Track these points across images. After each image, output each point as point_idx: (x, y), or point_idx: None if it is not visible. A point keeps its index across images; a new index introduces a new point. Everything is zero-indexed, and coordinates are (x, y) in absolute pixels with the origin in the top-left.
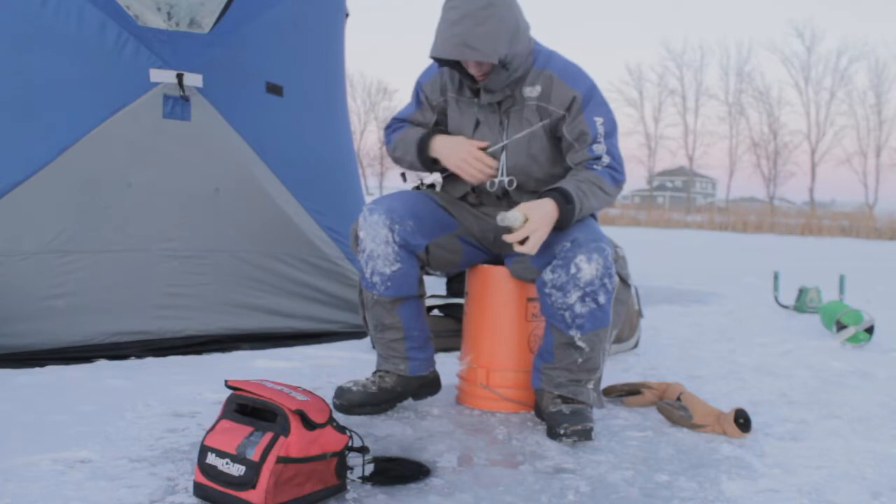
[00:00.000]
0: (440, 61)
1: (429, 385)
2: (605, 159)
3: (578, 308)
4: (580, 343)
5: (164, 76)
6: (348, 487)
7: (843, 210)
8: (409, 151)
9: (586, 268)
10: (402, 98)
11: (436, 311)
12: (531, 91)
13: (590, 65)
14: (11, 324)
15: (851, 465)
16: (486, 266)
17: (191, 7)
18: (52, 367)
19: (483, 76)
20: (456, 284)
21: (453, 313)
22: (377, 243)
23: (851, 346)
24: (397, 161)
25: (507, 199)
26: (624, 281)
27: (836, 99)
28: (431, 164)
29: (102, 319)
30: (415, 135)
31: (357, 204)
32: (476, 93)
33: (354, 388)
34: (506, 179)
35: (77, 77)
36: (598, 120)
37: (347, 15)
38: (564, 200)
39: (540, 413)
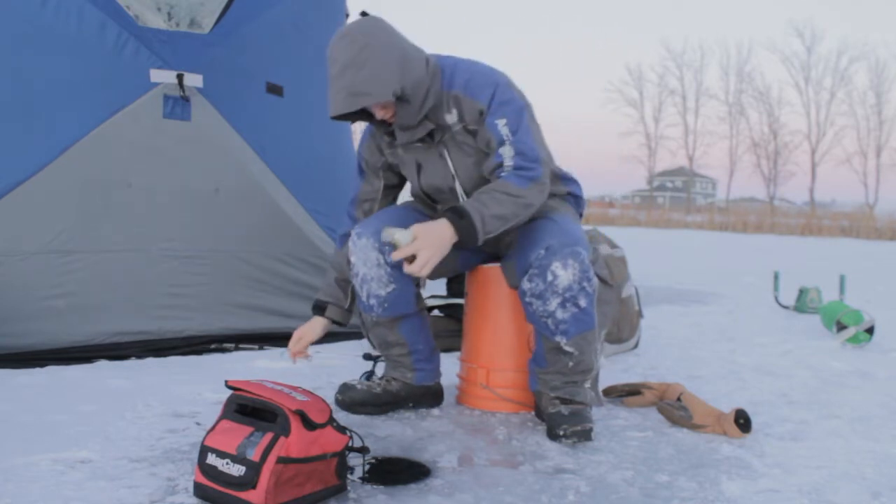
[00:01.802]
0: (341, 118)
1: (432, 395)
2: (509, 162)
3: (560, 314)
4: (568, 348)
5: (164, 76)
6: (348, 487)
7: (843, 210)
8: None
9: (563, 274)
10: None
11: (436, 312)
12: (451, 117)
13: (590, 65)
14: (11, 324)
15: (851, 465)
16: (485, 266)
17: (191, 7)
18: (52, 367)
19: (393, 117)
20: (456, 285)
21: (453, 313)
22: (369, 267)
23: (851, 346)
24: None
25: None
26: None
27: (837, 99)
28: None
29: (102, 319)
30: (316, 295)
31: None
32: (398, 138)
33: (359, 387)
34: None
35: (77, 77)
36: (501, 122)
37: (347, 15)
38: (458, 217)
39: (540, 414)
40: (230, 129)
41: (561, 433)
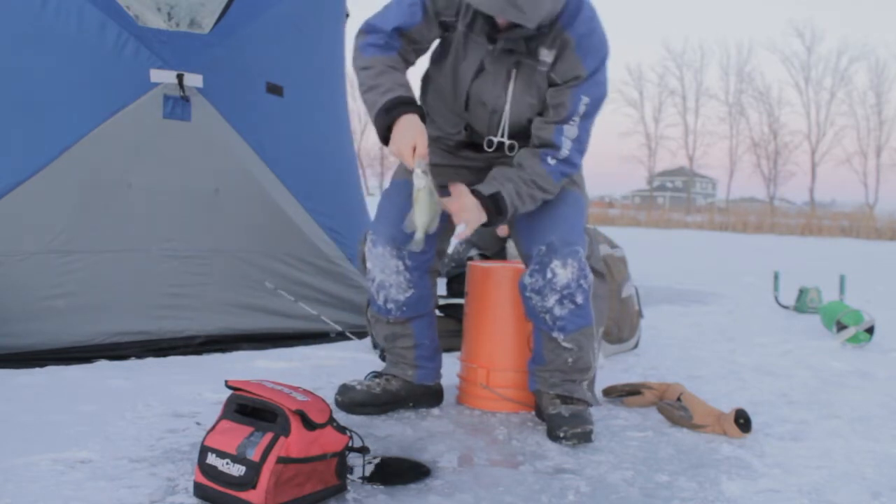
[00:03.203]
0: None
1: (432, 395)
2: (565, 151)
3: (558, 311)
4: (566, 344)
5: (164, 76)
6: (348, 487)
7: (843, 210)
8: (372, 109)
9: (562, 273)
10: None
11: (436, 312)
12: (547, 55)
13: None
14: (11, 324)
15: (851, 465)
16: (486, 266)
17: (191, 7)
18: (52, 367)
19: (507, 27)
20: (456, 284)
21: (453, 313)
22: (387, 274)
23: (851, 346)
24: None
25: (502, 159)
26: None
27: (836, 99)
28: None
29: (102, 319)
30: (385, 97)
31: (357, 204)
32: (490, 37)
33: (358, 387)
34: (507, 142)
35: (77, 77)
36: (584, 99)
37: (348, 15)
38: (496, 210)
39: (540, 414)
40: (230, 129)
41: (561, 435)
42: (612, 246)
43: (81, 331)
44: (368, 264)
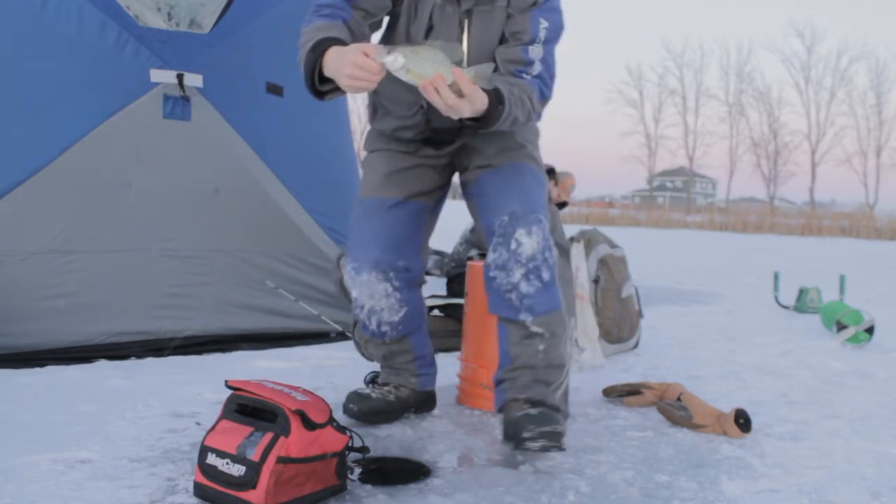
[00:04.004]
0: None
1: (430, 400)
2: (537, 67)
3: (524, 287)
4: (535, 328)
5: (164, 76)
6: (348, 487)
7: (843, 210)
8: (303, 61)
9: (527, 242)
10: None
11: (436, 312)
12: None
13: (590, 65)
14: (11, 324)
15: (851, 465)
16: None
17: (191, 7)
18: (52, 367)
19: None
20: (456, 284)
21: (453, 313)
22: (377, 299)
23: (851, 346)
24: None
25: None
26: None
27: (837, 99)
28: (321, 92)
29: (102, 319)
30: (309, 45)
31: None
32: None
33: (374, 395)
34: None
35: (77, 77)
36: (543, 23)
37: None
38: (496, 100)
39: (506, 433)
40: (230, 129)
41: (526, 436)
42: (612, 246)
43: (81, 331)
44: (354, 293)
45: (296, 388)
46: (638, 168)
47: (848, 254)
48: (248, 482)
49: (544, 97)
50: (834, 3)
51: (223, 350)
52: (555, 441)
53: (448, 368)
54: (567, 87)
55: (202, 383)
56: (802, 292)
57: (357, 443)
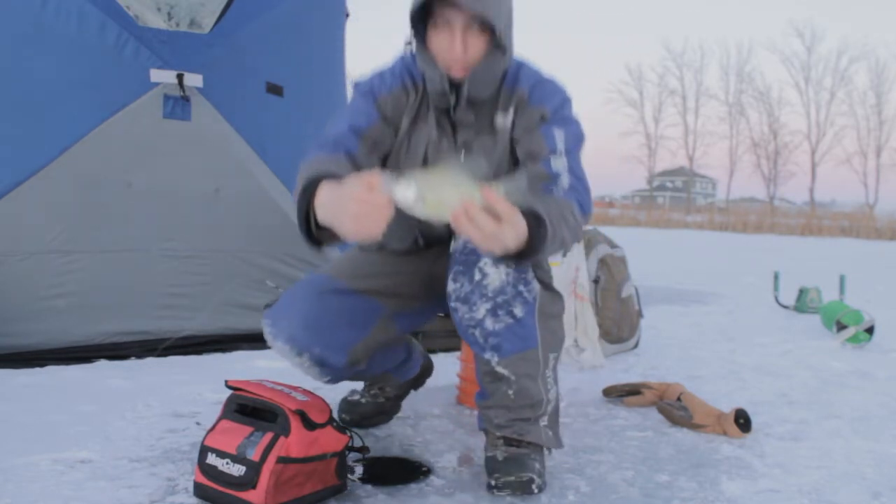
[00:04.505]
0: (419, 22)
1: (425, 373)
2: (565, 179)
3: (490, 324)
4: (500, 370)
5: (164, 76)
6: (348, 487)
7: (843, 210)
8: (295, 205)
9: (493, 273)
10: None
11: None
12: (503, 119)
13: (590, 65)
14: (11, 324)
15: (851, 465)
16: None
17: (191, 7)
18: (52, 367)
19: (465, 70)
20: None
21: None
22: (295, 364)
23: (851, 346)
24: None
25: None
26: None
27: (837, 99)
28: (316, 240)
29: (102, 319)
30: (302, 183)
31: None
32: (439, 121)
33: (363, 401)
34: None
35: (77, 77)
36: (559, 133)
37: (348, 15)
38: (536, 221)
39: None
40: (230, 129)
41: (492, 483)
42: (612, 246)
43: (81, 331)
44: (276, 353)
45: (296, 388)
46: (638, 168)
47: (848, 254)
48: (248, 482)
49: (585, 212)
50: (834, 3)
51: (223, 350)
52: (521, 489)
53: (448, 368)
54: (567, 88)
55: (202, 383)
56: (802, 292)
57: (357, 443)
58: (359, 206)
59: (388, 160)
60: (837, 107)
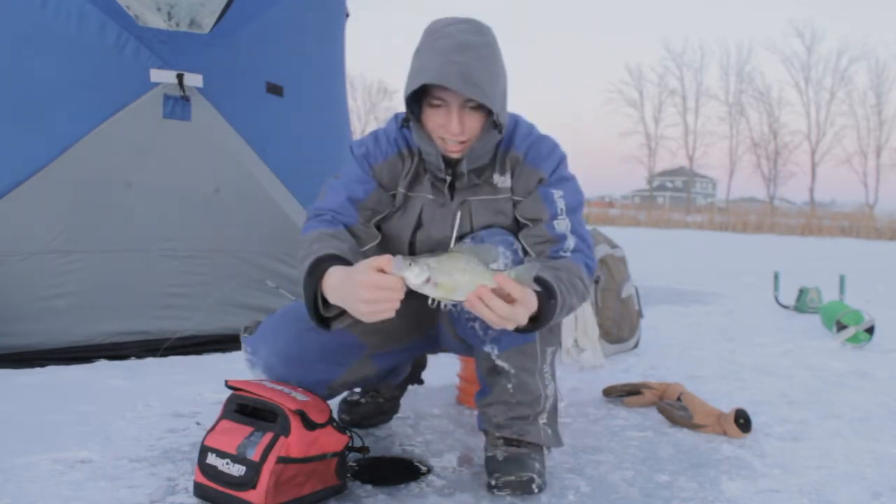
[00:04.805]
0: (413, 101)
1: (417, 368)
2: (571, 241)
3: None
4: (500, 363)
5: (164, 76)
6: (348, 487)
7: (843, 210)
8: (302, 285)
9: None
10: (402, 98)
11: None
12: (502, 180)
13: (590, 65)
14: (11, 324)
15: (851, 465)
16: None
17: (191, 7)
18: (52, 367)
19: (461, 148)
20: None
21: None
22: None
23: (851, 346)
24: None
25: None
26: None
27: (837, 99)
28: (325, 320)
29: (102, 319)
30: (307, 262)
31: None
32: (435, 185)
33: (363, 401)
34: None
35: (77, 77)
36: (557, 193)
37: (347, 15)
38: (546, 293)
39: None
40: (230, 129)
41: (492, 482)
42: (612, 246)
43: (81, 331)
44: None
45: (296, 388)
46: (638, 168)
47: (848, 254)
48: (248, 482)
49: (591, 271)
50: (834, 3)
51: (223, 350)
52: (521, 489)
53: (448, 368)
54: (567, 88)
55: (202, 383)
56: (802, 292)
57: (357, 443)
58: (371, 292)
59: (385, 222)
60: (837, 107)
